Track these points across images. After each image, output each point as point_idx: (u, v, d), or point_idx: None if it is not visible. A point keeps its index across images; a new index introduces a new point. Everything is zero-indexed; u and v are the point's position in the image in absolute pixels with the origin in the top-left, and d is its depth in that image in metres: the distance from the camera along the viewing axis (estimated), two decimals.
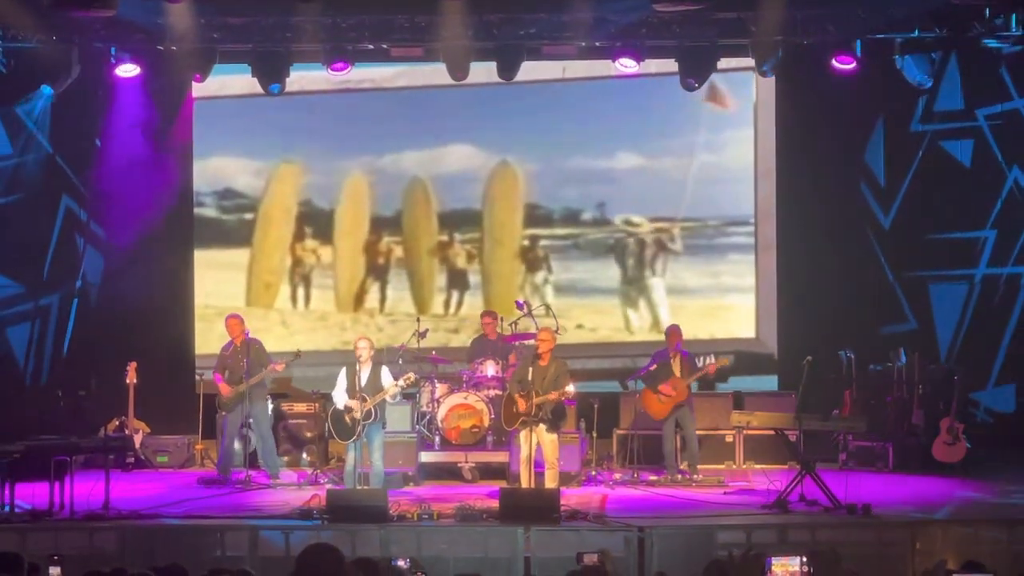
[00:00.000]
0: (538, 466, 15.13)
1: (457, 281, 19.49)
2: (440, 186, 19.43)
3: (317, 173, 19.56)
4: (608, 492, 15.74)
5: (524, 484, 15.00)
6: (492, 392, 16.76)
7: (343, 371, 15.64)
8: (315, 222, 19.63)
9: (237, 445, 16.68)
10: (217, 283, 19.54)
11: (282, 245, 19.62)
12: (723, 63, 17.83)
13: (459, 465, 16.80)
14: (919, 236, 18.89)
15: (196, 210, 19.46)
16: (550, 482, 15.06)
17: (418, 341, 17.35)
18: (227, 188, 19.63)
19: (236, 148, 19.56)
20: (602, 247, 19.38)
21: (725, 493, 15.73)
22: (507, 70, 17.58)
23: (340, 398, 15.50)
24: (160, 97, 18.66)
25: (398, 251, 19.56)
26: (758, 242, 19.11)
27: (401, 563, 9.98)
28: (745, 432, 17.28)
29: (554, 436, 15.24)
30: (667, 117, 19.16)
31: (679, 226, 19.28)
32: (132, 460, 17.38)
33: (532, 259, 19.43)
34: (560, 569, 11.03)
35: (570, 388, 15.06)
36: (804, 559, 9.17)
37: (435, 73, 18.13)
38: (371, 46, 17.61)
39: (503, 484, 15.81)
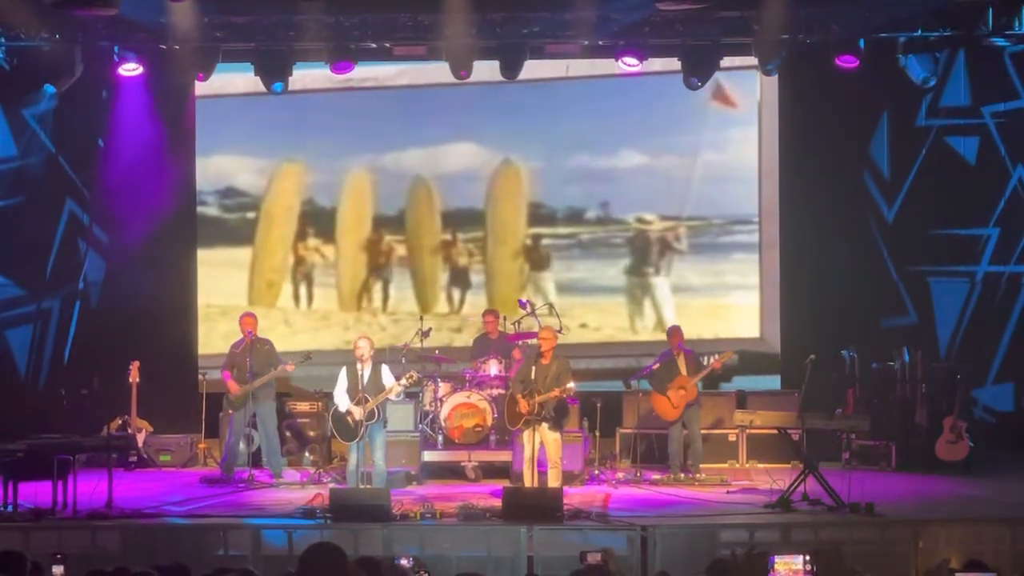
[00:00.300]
0: (541, 465, 15.12)
1: (460, 280, 19.49)
2: (443, 185, 19.43)
3: (319, 172, 19.56)
4: (611, 491, 15.74)
5: (527, 483, 14.99)
6: (495, 391, 16.77)
7: (343, 371, 15.62)
8: (317, 221, 19.62)
9: (241, 444, 16.69)
10: (219, 282, 19.53)
11: (284, 244, 19.61)
12: (726, 62, 17.84)
13: (462, 464, 16.80)
14: (922, 231, 18.88)
15: (199, 209, 19.45)
16: (553, 481, 15.05)
17: (421, 340, 17.35)
18: (229, 187, 19.63)
19: (238, 147, 19.56)
20: (605, 246, 19.36)
21: (728, 492, 15.72)
22: (510, 69, 17.58)
23: (341, 399, 15.48)
24: (163, 96, 18.66)
25: (401, 250, 19.55)
26: (762, 241, 19.09)
27: (404, 562, 9.97)
28: (748, 431, 17.29)
29: (557, 435, 15.23)
30: (670, 116, 19.14)
31: (684, 225, 19.26)
32: (135, 459, 17.40)
33: (535, 258, 19.42)
34: (563, 568, 11.04)
35: (571, 385, 15.05)
36: (807, 558, 9.17)
37: (438, 71, 18.11)
38: (374, 45, 17.61)
39: (506, 483, 15.81)
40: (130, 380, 17.21)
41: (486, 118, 19.33)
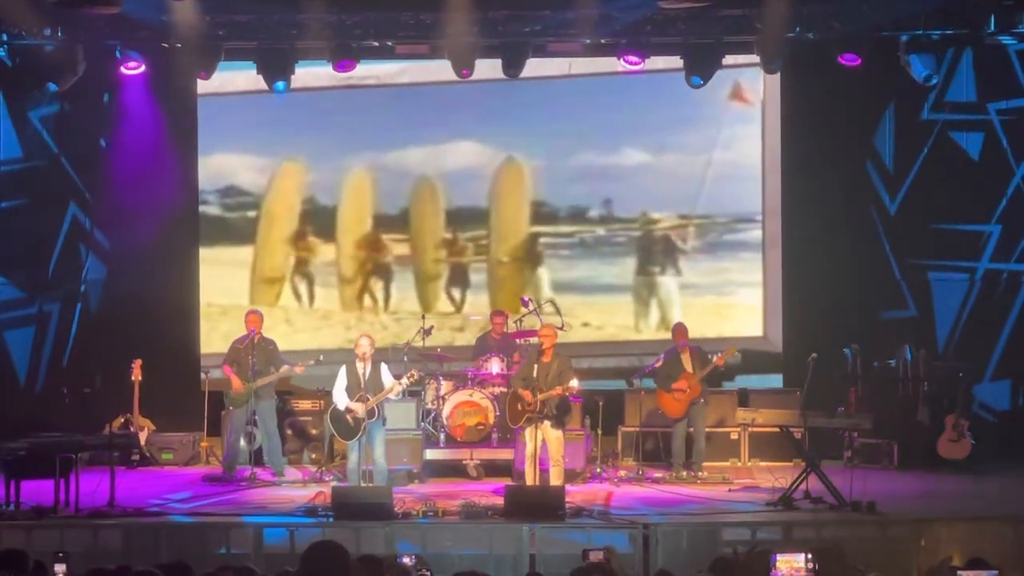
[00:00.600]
0: (543, 463, 15.13)
1: (462, 279, 19.47)
2: (445, 183, 19.41)
3: (320, 170, 19.53)
4: (613, 489, 15.75)
5: (529, 481, 15.00)
6: (497, 389, 16.79)
7: (343, 369, 15.62)
8: (319, 219, 19.59)
9: (242, 443, 16.70)
10: (221, 281, 19.51)
11: (285, 243, 19.60)
12: (729, 60, 17.82)
13: (464, 462, 16.82)
14: (924, 224, 18.86)
15: (200, 208, 19.43)
16: (555, 479, 15.06)
17: (423, 339, 17.36)
18: (230, 185, 19.60)
19: (239, 145, 19.53)
20: (608, 244, 19.35)
21: (730, 490, 15.74)
22: (512, 67, 17.57)
23: (341, 398, 15.48)
24: (165, 95, 18.64)
25: (402, 249, 19.52)
26: (765, 239, 19.07)
27: (406, 560, 9.97)
28: (750, 429, 17.30)
29: (559, 433, 15.23)
30: (673, 114, 19.13)
31: (692, 224, 19.23)
32: (137, 457, 17.40)
33: (538, 256, 19.40)
34: (565, 566, 11.04)
35: (574, 383, 15.05)
36: (809, 556, 9.17)
37: (439, 69, 18.10)
38: (376, 43, 17.59)
39: (508, 481, 15.82)
40: (132, 378, 17.21)
41: (488, 116, 19.31)
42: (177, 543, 13.22)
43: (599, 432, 16.77)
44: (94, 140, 19.08)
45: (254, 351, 16.40)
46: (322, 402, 17.33)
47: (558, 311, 17.08)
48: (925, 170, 18.81)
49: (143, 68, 17.85)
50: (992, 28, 17.03)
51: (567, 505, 13.95)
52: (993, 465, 16.77)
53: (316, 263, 19.58)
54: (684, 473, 16.46)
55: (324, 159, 19.49)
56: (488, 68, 17.83)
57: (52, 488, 14.18)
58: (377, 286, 19.52)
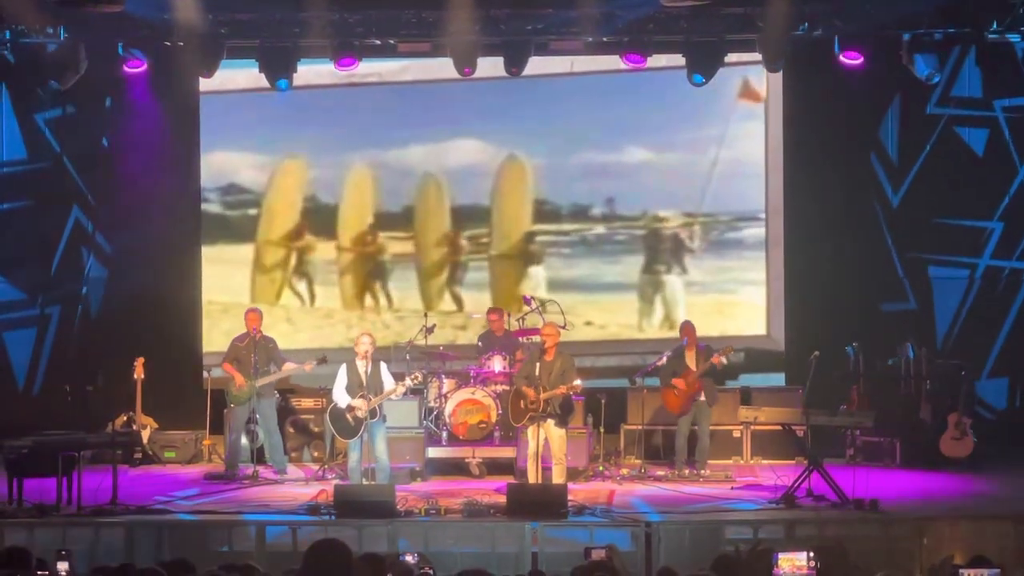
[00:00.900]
0: (545, 461, 15.13)
1: (464, 277, 19.44)
2: (448, 181, 19.41)
3: (322, 168, 19.53)
4: (615, 487, 15.75)
5: (531, 479, 15.00)
6: (499, 388, 16.79)
7: (343, 368, 15.62)
8: (320, 217, 19.59)
9: (244, 441, 16.72)
10: (222, 279, 19.51)
11: (287, 241, 19.60)
12: (732, 57, 17.81)
13: (466, 461, 16.82)
14: (926, 218, 18.86)
15: (202, 206, 19.43)
16: (557, 477, 15.05)
17: (425, 337, 17.36)
18: (231, 183, 19.59)
19: (240, 143, 19.53)
20: (610, 243, 19.33)
21: (732, 488, 15.74)
22: (514, 65, 17.55)
23: (341, 397, 15.48)
24: (167, 93, 18.64)
25: (404, 247, 19.51)
26: (768, 237, 19.06)
27: (408, 558, 9.97)
28: (752, 427, 17.29)
29: (562, 431, 15.23)
30: (676, 112, 19.13)
31: (698, 222, 19.20)
32: (140, 455, 17.41)
33: (540, 254, 19.38)
34: (567, 564, 11.02)
35: (577, 382, 15.05)
36: (811, 554, 9.15)
37: (441, 67, 18.08)
38: (378, 41, 17.59)
39: (510, 479, 15.82)
40: (135, 377, 17.23)
41: (490, 114, 19.30)
42: (179, 541, 13.23)
43: (602, 430, 16.78)
44: (97, 141, 19.08)
45: (255, 349, 16.41)
46: (323, 400, 17.31)
47: (561, 310, 17.06)
48: (929, 164, 18.80)
49: (145, 66, 17.83)
50: (995, 26, 16.99)
51: (569, 503, 13.96)
52: (995, 464, 16.76)
53: (317, 261, 19.57)
54: (686, 471, 16.46)
55: (325, 156, 19.49)
56: (490, 66, 17.81)
57: (55, 486, 14.19)
58: (379, 284, 19.50)
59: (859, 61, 17.17)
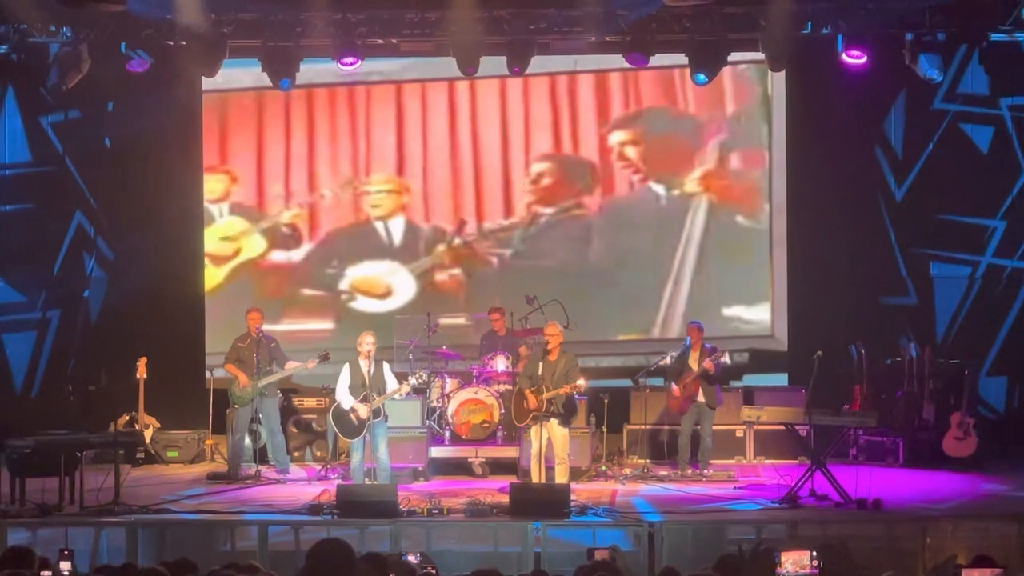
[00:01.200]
0: (548, 461, 15.12)
1: (468, 275, 19.43)
2: None
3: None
4: (618, 487, 15.75)
5: (534, 479, 14.99)
6: (502, 387, 16.78)
7: (346, 368, 15.62)
8: None
9: (247, 440, 16.71)
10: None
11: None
12: (735, 56, 17.78)
13: (469, 460, 16.82)
14: (929, 214, 18.84)
15: (206, 204, 19.42)
16: (560, 477, 15.05)
17: (428, 336, 17.35)
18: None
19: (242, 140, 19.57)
20: (612, 241, 19.32)
21: (735, 488, 15.74)
22: (517, 65, 17.51)
23: (344, 397, 15.49)
24: (170, 92, 18.63)
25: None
26: (772, 236, 19.02)
27: (411, 558, 9.97)
28: (755, 427, 17.28)
29: (565, 431, 15.22)
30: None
31: (700, 220, 19.20)
32: (142, 455, 17.43)
33: (541, 252, 19.34)
34: (570, 564, 11.03)
35: (582, 382, 15.04)
36: (814, 554, 9.16)
37: (444, 65, 18.06)
38: (381, 41, 17.59)
39: (513, 479, 15.82)
40: (137, 376, 17.24)
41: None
42: (182, 541, 13.23)
43: (604, 430, 16.77)
44: (100, 142, 19.09)
45: (257, 349, 16.42)
46: (326, 400, 17.31)
47: (563, 309, 17.02)
48: (933, 160, 18.78)
49: (148, 66, 17.83)
50: (1000, 26, 16.96)
51: (572, 503, 13.96)
52: (998, 463, 16.76)
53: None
54: (689, 471, 16.45)
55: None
56: (492, 64, 17.77)
57: (57, 486, 14.20)
58: (382, 282, 19.47)
59: (863, 60, 17.13)
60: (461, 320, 19.03)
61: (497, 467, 16.77)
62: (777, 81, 18.82)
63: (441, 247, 19.35)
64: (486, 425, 16.65)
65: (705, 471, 16.42)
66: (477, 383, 16.91)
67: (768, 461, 17.13)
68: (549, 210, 19.28)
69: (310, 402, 17.85)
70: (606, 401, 16.58)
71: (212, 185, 19.38)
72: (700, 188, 19.14)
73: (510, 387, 16.49)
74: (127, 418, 17.40)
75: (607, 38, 17.42)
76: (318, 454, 17.64)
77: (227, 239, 19.43)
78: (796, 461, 16.43)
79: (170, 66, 17.68)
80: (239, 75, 18.66)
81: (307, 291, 19.42)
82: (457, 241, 19.32)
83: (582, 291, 18.78)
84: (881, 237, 18.84)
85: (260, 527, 13.52)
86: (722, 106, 19.15)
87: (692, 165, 19.15)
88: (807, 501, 14.47)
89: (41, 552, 9.61)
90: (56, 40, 17.30)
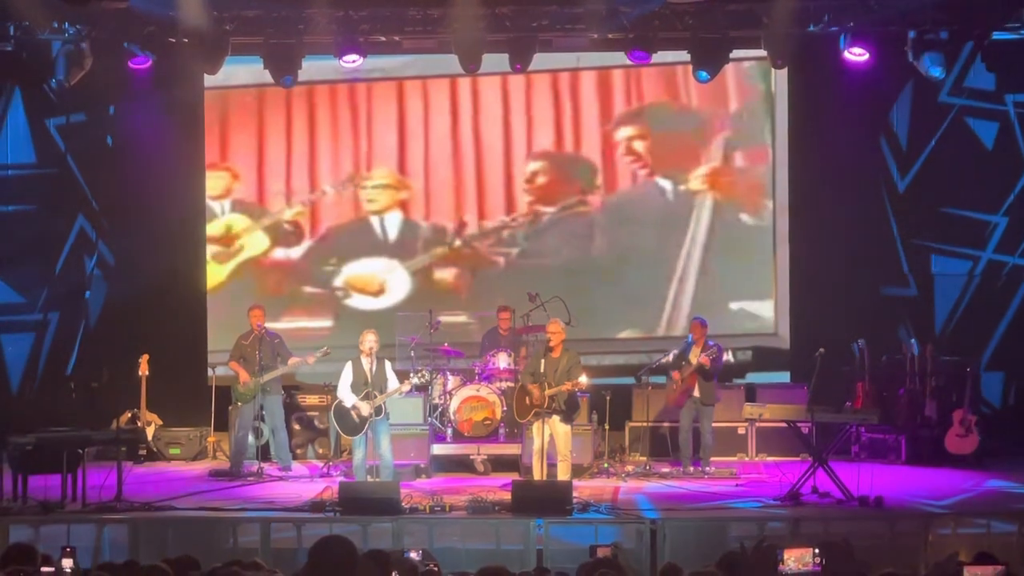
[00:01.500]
0: (550, 458, 15.13)
1: (471, 272, 19.42)
2: None
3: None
4: (620, 484, 15.75)
5: (537, 476, 15.00)
6: (504, 384, 16.78)
7: (348, 366, 15.64)
8: None
9: (250, 438, 16.72)
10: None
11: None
12: (738, 53, 17.77)
13: (471, 457, 16.83)
14: (931, 206, 18.84)
15: (208, 201, 19.42)
16: (563, 474, 15.06)
17: (430, 334, 17.35)
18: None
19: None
20: (614, 240, 19.32)
21: (737, 485, 15.75)
22: (519, 62, 17.49)
23: (347, 395, 15.50)
24: (172, 89, 18.64)
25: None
26: (775, 234, 19.01)
27: (413, 555, 9.97)
28: (758, 424, 17.29)
29: (567, 428, 15.24)
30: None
31: (704, 218, 19.20)
32: (144, 452, 17.44)
33: (543, 250, 19.34)
34: (572, 561, 11.03)
35: (583, 379, 15.05)
36: (816, 551, 9.15)
37: (445, 62, 18.05)
38: (383, 38, 17.58)
39: (515, 476, 15.81)
40: (140, 373, 17.24)
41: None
42: (184, 538, 13.22)
43: (607, 427, 16.77)
44: (102, 141, 19.10)
45: (260, 346, 16.43)
46: (329, 397, 17.32)
47: (565, 306, 17.01)
48: (937, 152, 18.76)
49: (150, 63, 17.81)
50: (1007, 24, 16.96)
51: (574, 500, 13.96)
52: (1000, 460, 16.75)
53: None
54: (691, 468, 16.45)
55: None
56: (494, 61, 17.76)
57: (59, 483, 14.21)
58: (383, 280, 19.47)
59: (865, 57, 17.10)
60: (462, 318, 19.04)
61: (499, 464, 16.78)
62: (780, 78, 18.81)
63: (442, 247, 19.32)
64: (488, 422, 16.65)
65: (707, 468, 16.42)
66: (479, 380, 16.91)
67: (770, 458, 17.14)
68: (552, 208, 19.27)
69: (312, 399, 17.85)
70: (608, 398, 16.58)
71: (213, 182, 19.39)
72: (704, 185, 19.14)
73: (512, 384, 16.49)
74: (129, 415, 17.41)
75: (609, 35, 17.41)
76: (320, 451, 17.65)
77: (228, 236, 19.41)
78: (798, 458, 16.42)
79: (172, 63, 17.67)
80: (240, 72, 18.65)
81: (308, 289, 19.41)
82: (459, 242, 19.30)
83: (585, 288, 18.77)
84: (883, 228, 18.82)
85: (262, 524, 13.51)
86: (725, 103, 19.16)
87: (696, 161, 19.15)
88: (809, 498, 14.47)
89: (43, 549, 9.63)
90: (58, 37, 17.30)
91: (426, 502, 14.08)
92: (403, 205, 19.39)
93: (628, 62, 17.69)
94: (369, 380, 15.42)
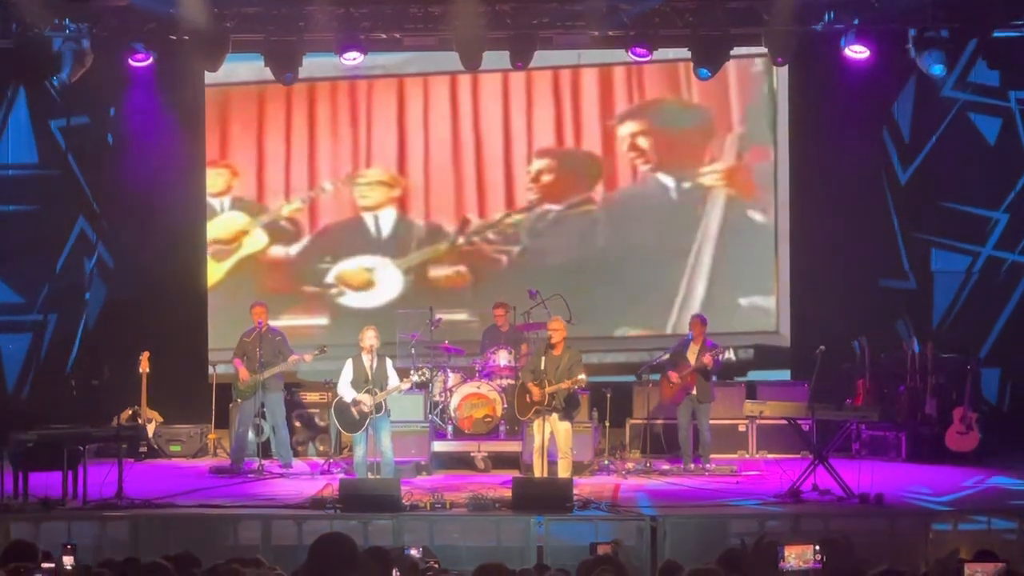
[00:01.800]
0: (551, 455, 15.13)
1: (473, 271, 19.41)
2: None
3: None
4: (621, 481, 15.75)
5: (537, 473, 15.00)
6: (505, 381, 16.78)
7: (348, 363, 15.65)
8: None
9: (250, 435, 16.72)
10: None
11: None
12: (739, 50, 17.74)
13: (472, 454, 16.83)
14: (932, 200, 18.81)
15: (209, 199, 19.42)
16: (563, 471, 15.07)
17: (431, 331, 17.35)
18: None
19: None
20: (615, 239, 19.31)
21: (738, 483, 15.75)
22: (520, 59, 17.48)
23: (347, 391, 15.50)
24: (173, 87, 18.64)
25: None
26: (777, 232, 18.99)
27: (414, 552, 9.97)
28: (758, 422, 17.28)
29: (568, 425, 15.24)
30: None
31: (710, 215, 19.18)
32: (145, 449, 17.46)
33: (544, 248, 19.33)
34: (573, 558, 11.03)
35: (583, 377, 15.06)
36: (817, 548, 9.15)
37: (445, 59, 18.04)
38: (384, 35, 17.57)
39: (516, 473, 15.81)
40: (140, 370, 17.25)
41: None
42: (185, 535, 13.22)
43: (607, 424, 16.76)
44: (103, 140, 19.10)
45: (261, 343, 16.43)
46: (329, 394, 17.32)
47: (566, 304, 17.00)
48: (940, 146, 18.73)
49: (151, 60, 17.81)
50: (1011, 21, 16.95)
51: (575, 497, 13.96)
52: (1001, 458, 16.75)
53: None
54: (692, 465, 16.46)
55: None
56: (494, 58, 17.75)
57: (60, 480, 14.21)
58: (383, 279, 19.46)
59: (866, 54, 17.08)
60: (463, 316, 19.03)
61: (500, 461, 16.78)
62: (781, 75, 18.79)
63: (443, 244, 19.31)
64: (489, 419, 16.65)
65: (707, 465, 16.42)
66: (480, 378, 16.91)
67: (771, 456, 17.12)
68: (553, 205, 19.25)
69: (313, 396, 17.85)
70: (608, 396, 16.57)
71: (213, 179, 19.38)
72: (709, 182, 19.11)
73: (512, 382, 16.49)
74: (130, 412, 17.41)
75: (610, 33, 17.40)
76: (321, 448, 17.65)
77: (228, 233, 19.40)
78: (799, 456, 16.42)
79: (173, 61, 17.68)
80: (241, 69, 18.65)
81: (305, 287, 19.38)
82: (461, 240, 19.28)
83: (587, 286, 18.75)
84: (884, 221, 18.80)
85: (263, 521, 13.54)
86: (727, 100, 19.13)
87: (700, 158, 19.12)
88: (809, 496, 14.47)
89: (44, 546, 9.64)
90: (59, 35, 17.29)
91: (426, 499, 14.09)
92: (400, 202, 19.36)
93: (629, 59, 17.66)
94: (370, 377, 15.42)
